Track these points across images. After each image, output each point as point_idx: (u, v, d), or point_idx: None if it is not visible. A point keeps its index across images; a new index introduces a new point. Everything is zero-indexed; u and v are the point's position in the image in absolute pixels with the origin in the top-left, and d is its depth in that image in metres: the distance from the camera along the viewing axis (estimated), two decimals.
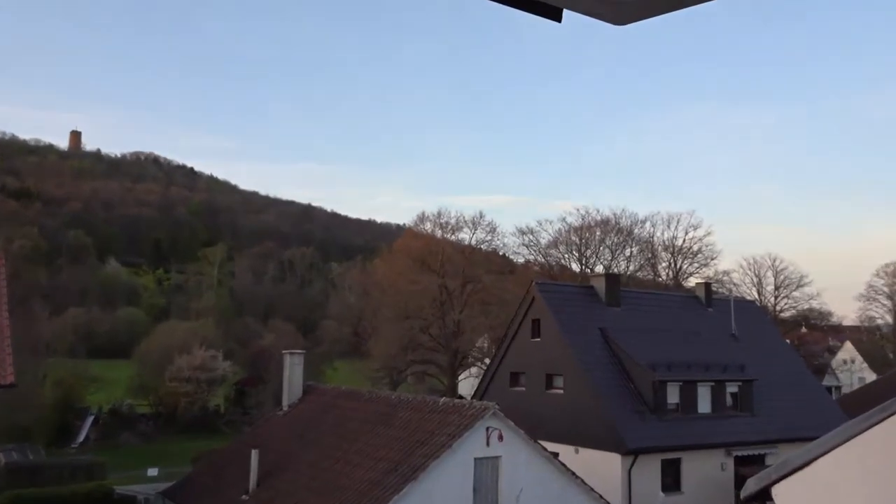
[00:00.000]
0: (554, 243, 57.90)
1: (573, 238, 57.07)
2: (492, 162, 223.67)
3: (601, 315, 26.75)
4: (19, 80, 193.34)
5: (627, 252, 57.13)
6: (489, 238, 54.88)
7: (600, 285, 27.70)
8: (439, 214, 54.33)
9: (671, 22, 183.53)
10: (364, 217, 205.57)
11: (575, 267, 57.71)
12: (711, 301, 30.41)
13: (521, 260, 62.23)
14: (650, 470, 22.55)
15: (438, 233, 54.21)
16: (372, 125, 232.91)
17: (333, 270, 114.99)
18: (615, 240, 56.66)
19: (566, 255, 57.81)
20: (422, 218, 55.40)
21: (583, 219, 57.40)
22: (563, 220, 61.07)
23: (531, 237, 58.12)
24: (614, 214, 57.72)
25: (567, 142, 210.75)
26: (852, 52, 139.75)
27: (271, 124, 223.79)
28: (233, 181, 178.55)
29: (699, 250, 57.25)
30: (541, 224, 61.25)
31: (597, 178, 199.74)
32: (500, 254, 59.75)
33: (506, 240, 65.57)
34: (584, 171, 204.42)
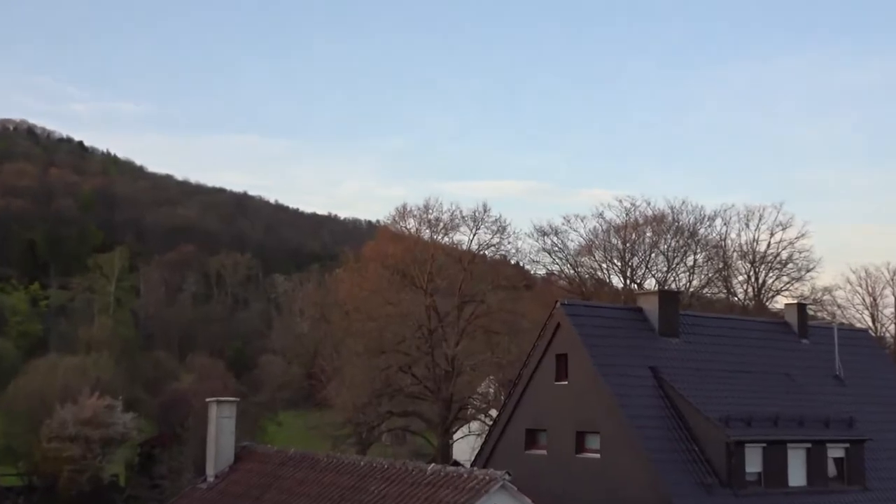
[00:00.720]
0: (587, 248, 57.98)
1: (614, 241, 57.16)
2: (499, 134, 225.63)
3: (653, 349, 26.80)
4: None
5: (690, 260, 57.28)
6: (497, 241, 54.66)
7: (652, 307, 27.73)
8: (427, 208, 54.37)
9: None
10: (322, 211, 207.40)
11: (616, 281, 57.91)
12: (807, 329, 30.41)
13: (542, 271, 62.55)
14: None
15: (426, 233, 54.21)
16: (334, 83, 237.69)
17: (278, 286, 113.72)
18: (672, 243, 56.73)
19: (604, 265, 58.01)
20: (402, 213, 55.32)
21: (627, 214, 57.30)
22: (600, 215, 58.25)
23: (555, 240, 58.07)
24: (671, 208, 57.80)
25: (604, 107, 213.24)
26: None
27: (193, 82, 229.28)
28: (138, 161, 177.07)
29: (790, 258, 57.31)
30: (568, 221, 58.29)
31: (646, 157, 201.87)
32: (512, 262, 59.63)
33: (520, 243, 63.67)
34: (629, 147, 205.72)
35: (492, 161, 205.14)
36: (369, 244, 58.97)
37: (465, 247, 54.58)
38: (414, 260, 52.72)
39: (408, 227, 55.35)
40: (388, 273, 53.77)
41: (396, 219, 56.12)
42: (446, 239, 55.10)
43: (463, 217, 54.46)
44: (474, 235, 54.16)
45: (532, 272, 63.98)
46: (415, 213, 54.87)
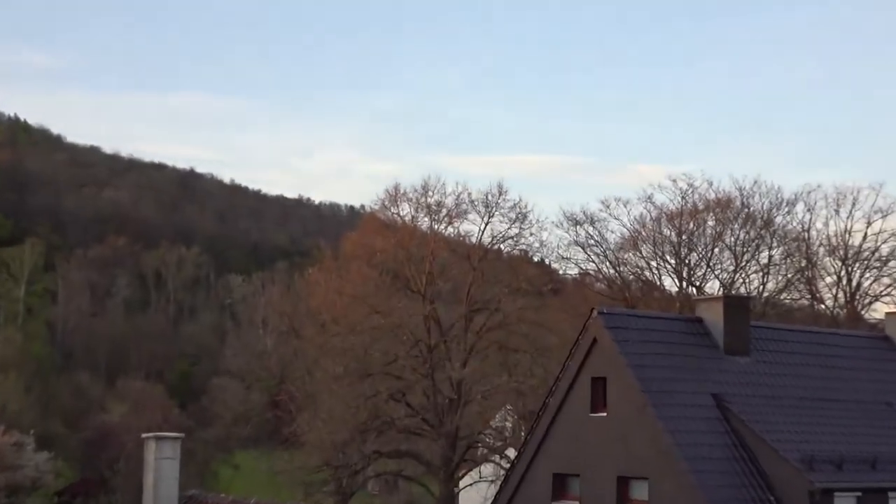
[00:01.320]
0: (631, 241, 58.31)
1: (666, 232, 57.50)
2: (519, 93, 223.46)
3: (716, 370, 27.04)
4: None
5: (763, 257, 57.42)
6: (515, 232, 55.17)
7: (715, 316, 27.94)
8: (426, 189, 54.79)
9: None
10: (291, 194, 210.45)
11: (670, 283, 58.32)
12: None
13: (573, 271, 62.80)
14: None
15: (424, 222, 54.95)
16: (302, 22, 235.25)
17: (235, 290, 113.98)
18: (741, 235, 56.84)
19: (654, 263, 58.26)
20: (394, 195, 55.85)
21: (684, 198, 57.28)
22: (649, 199, 58.06)
23: (591, 230, 58.28)
24: (740, 190, 57.81)
25: (654, 58, 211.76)
26: None
27: (123, 25, 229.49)
28: (54, 129, 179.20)
29: (892, 255, 57.07)
30: (608, 207, 58.19)
31: (707, 124, 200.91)
32: (536, 260, 60.36)
33: (545, 235, 61.58)
34: (685, 112, 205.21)
35: (509, 128, 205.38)
36: (351, 236, 59.42)
37: (474, 240, 54.77)
38: (409, 257, 53.01)
39: (401, 214, 55.70)
40: (376, 274, 54.16)
41: (386, 203, 56.28)
42: (450, 230, 55.54)
43: (472, 201, 54.54)
44: (487, 225, 54.30)
45: (561, 272, 64.26)
46: (410, 195, 54.98)
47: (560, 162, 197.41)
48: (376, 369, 50.85)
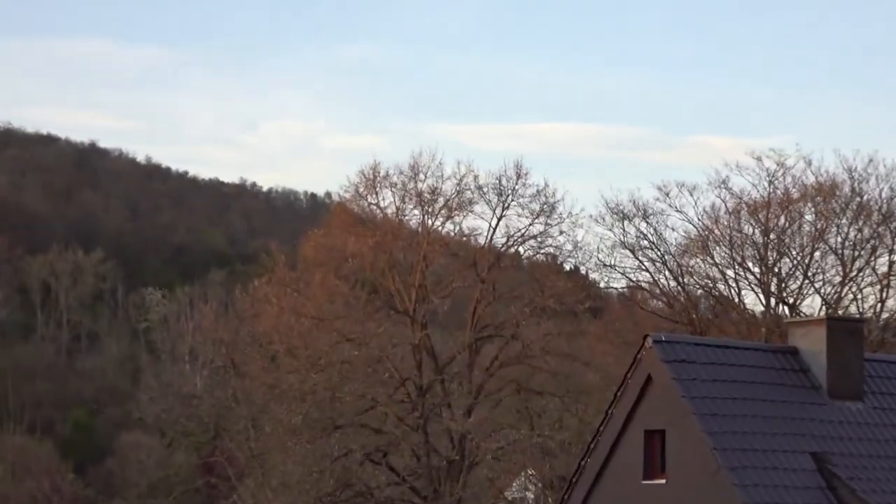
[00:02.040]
0: (700, 242, 58.66)
1: (747, 229, 57.81)
2: (543, 43, 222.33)
3: (818, 420, 26.97)
4: None
5: (882, 263, 57.13)
6: (539, 228, 55.94)
7: (815, 346, 27.86)
8: (416, 171, 55.67)
9: None
10: (230, 178, 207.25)
11: (752, 300, 58.37)
12: None
13: (619, 284, 63.05)
14: None
15: (413, 216, 56.42)
16: None
17: (151, 309, 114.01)
18: (852, 234, 56.76)
19: (731, 272, 58.31)
20: (372, 180, 56.46)
21: (771, 182, 57.47)
22: (723, 184, 57.92)
23: (643, 227, 58.46)
24: (850, 172, 57.32)
25: None
26: None
27: None
28: None
29: None
30: (667, 195, 57.91)
31: (803, 82, 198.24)
32: (567, 267, 60.82)
33: (581, 234, 60.14)
34: (773, 64, 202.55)
35: (531, 87, 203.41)
36: (313, 236, 59.25)
37: (483, 241, 55.48)
38: (393, 264, 53.87)
39: (381, 204, 56.38)
40: (347, 287, 54.95)
41: (361, 191, 56.82)
42: (450, 227, 56.34)
43: (480, 188, 55.29)
44: (500, 220, 54.93)
45: (603, 285, 64.66)
46: (394, 179, 55.70)
47: (600, 133, 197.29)
48: (347, 419, 50.99)
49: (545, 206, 54.91)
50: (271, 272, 59.64)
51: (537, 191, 54.92)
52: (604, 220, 57.76)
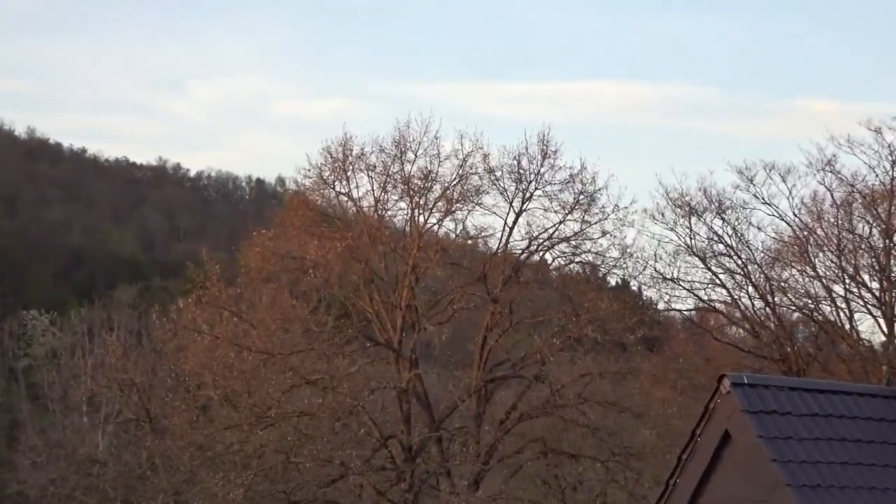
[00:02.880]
0: (796, 249, 59.53)
1: (862, 229, 58.68)
2: None
3: None
4: None
5: None
6: (574, 228, 56.54)
7: None
8: (402, 147, 56.16)
9: None
10: (144, 158, 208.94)
11: (868, 327, 58.82)
12: None
13: (684, 305, 62.92)
14: None
15: (399, 211, 57.98)
16: None
17: (34, 338, 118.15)
18: None
19: (839, 288, 58.98)
20: (340, 160, 57.30)
21: (895, 164, 57.63)
22: (828, 166, 59.00)
23: (719, 226, 59.38)
24: None
25: None
26: None
27: None
28: None
29: None
30: (750, 181, 59.27)
31: None
32: (613, 282, 63.67)
33: (632, 235, 60.71)
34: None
35: (562, 31, 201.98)
36: (260, 239, 58.27)
37: (495, 245, 56.43)
38: (370, 278, 54.71)
39: (355, 195, 57.23)
40: (307, 309, 55.36)
41: (326, 176, 57.63)
42: (449, 225, 57.62)
43: (491, 171, 55.92)
44: (519, 216, 55.95)
45: (661, 305, 65.00)
46: (372, 160, 56.50)
47: (657, 95, 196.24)
48: (307, 493, 52.19)
49: (582, 196, 55.69)
50: (202, 289, 59.04)
51: (571, 176, 55.58)
52: (663, 216, 59.27)
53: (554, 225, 56.28)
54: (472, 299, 54.91)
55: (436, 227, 56.73)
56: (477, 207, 56.69)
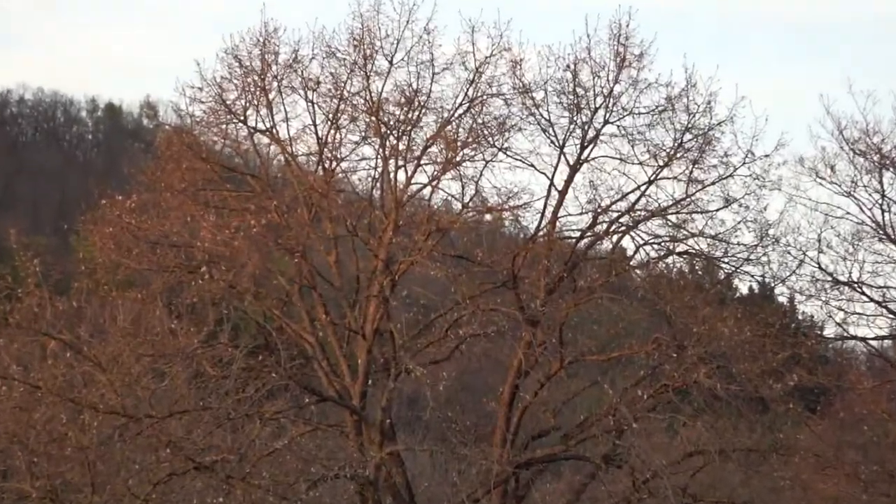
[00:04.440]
0: None
1: None
2: None
3: None
4: None
5: None
6: (679, 185, 45.76)
7: None
8: (365, 45, 46.25)
9: None
10: None
11: None
12: None
13: (870, 330, 53.34)
14: None
15: (363, 158, 47.70)
16: None
17: None
18: None
19: None
20: (259, 73, 46.78)
21: None
22: None
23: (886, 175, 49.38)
24: None
25: None
26: None
27: None
28: None
29: None
30: None
31: None
32: (743, 289, 56.48)
33: (775, 207, 51.68)
34: None
35: None
36: (109, 210, 46.92)
37: (534, 225, 45.38)
38: (303, 283, 45.23)
39: (279, 133, 46.10)
40: (194, 338, 43.76)
41: (229, 97, 46.16)
42: (452, 187, 45.74)
43: (526, 90, 44.19)
44: (575, 170, 44.40)
45: (831, 328, 53.31)
46: (309, 67, 45.42)
47: None
48: None
49: (688, 136, 42.81)
50: (9, 301, 47.06)
51: (668, 98, 42.63)
52: (833, 170, 48.01)
53: (638, 187, 43.73)
54: (493, 319, 42.81)
55: (427, 192, 44.52)
56: (501, 156, 43.86)
